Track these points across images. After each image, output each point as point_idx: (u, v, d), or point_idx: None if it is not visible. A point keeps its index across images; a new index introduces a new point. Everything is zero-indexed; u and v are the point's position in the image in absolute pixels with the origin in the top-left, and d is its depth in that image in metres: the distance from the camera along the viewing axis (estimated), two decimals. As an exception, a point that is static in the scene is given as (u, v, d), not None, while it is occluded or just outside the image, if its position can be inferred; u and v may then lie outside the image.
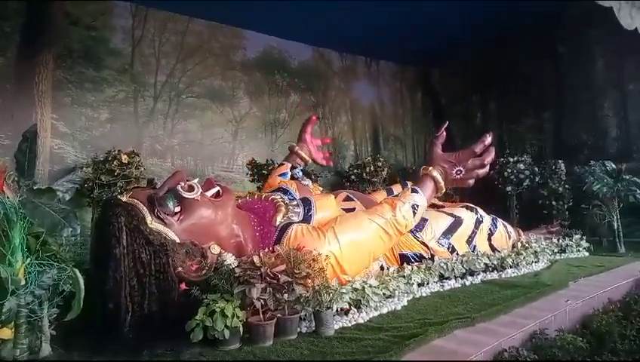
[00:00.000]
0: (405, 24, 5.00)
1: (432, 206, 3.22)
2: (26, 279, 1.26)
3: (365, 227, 2.36)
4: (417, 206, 2.49)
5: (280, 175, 3.23)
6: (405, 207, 2.45)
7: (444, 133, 2.65)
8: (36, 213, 1.26)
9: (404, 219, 2.43)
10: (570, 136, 5.31)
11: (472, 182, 2.59)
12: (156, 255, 1.83)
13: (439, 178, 2.56)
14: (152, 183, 2.12)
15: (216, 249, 2.00)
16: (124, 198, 1.91)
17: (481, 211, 3.31)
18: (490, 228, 3.30)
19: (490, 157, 2.58)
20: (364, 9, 4.69)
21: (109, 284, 1.70)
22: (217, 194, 2.18)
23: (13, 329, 1.25)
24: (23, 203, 1.26)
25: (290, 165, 3.34)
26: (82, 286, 1.34)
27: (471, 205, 3.34)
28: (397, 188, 3.63)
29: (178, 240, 1.91)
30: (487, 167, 2.59)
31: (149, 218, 1.87)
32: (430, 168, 2.59)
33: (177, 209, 1.96)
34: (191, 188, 2.04)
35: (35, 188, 1.33)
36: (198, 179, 2.24)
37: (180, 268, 1.87)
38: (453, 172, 2.57)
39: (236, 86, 5.05)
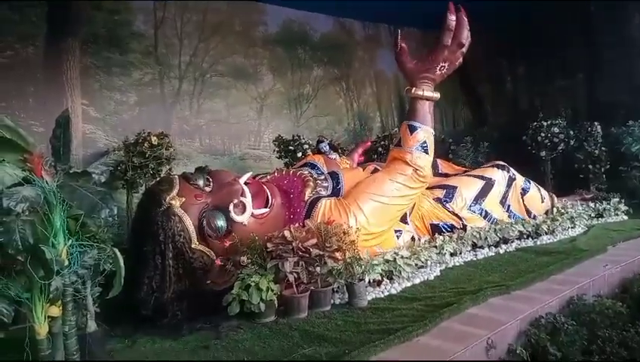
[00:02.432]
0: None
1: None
2: (68, 260, 1.31)
3: (387, 189, 2.33)
4: (425, 142, 2.39)
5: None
6: (415, 155, 2.36)
7: (403, 44, 2.39)
8: (74, 196, 1.29)
9: (421, 168, 2.37)
10: (605, 97, 5.08)
11: (460, 60, 2.37)
12: (194, 272, 1.88)
13: (429, 93, 2.39)
14: (203, 169, 2.09)
15: (245, 260, 1.94)
16: (176, 205, 1.88)
17: (512, 170, 3.16)
18: (523, 187, 3.17)
19: (464, 32, 2.29)
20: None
21: (145, 289, 1.77)
22: (266, 203, 2.15)
23: (60, 307, 1.31)
24: (61, 186, 1.29)
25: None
26: (122, 265, 1.38)
27: (502, 163, 3.17)
28: None
29: (215, 257, 1.93)
30: (469, 38, 2.32)
31: (195, 239, 1.89)
32: (414, 89, 2.40)
33: (224, 229, 1.97)
34: (243, 208, 2.01)
35: (71, 171, 1.36)
36: (250, 174, 2.23)
37: (210, 281, 1.92)
38: (437, 71, 2.37)
39: (259, 63, 5.02)
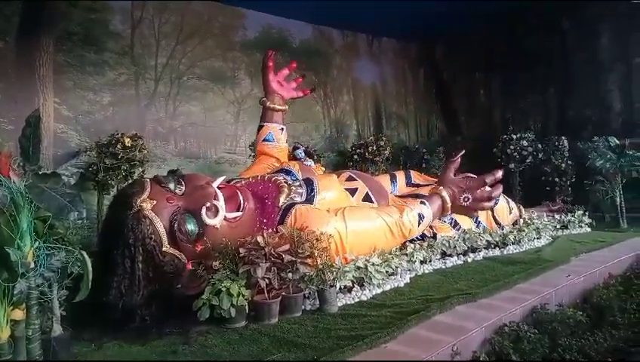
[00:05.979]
0: None
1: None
2: (35, 262, 1.28)
3: (373, 219, 2.38)
4: (423, 216, 2.54)
5: (264, 140, 3.05)
6: (413, 213, 2.49)
7: (459, 159, 2.75)
8: (42, 198, 1.27)
9: (409, 223, 2.46)
10: (573, 112, 5.28)
11: (476, 214, 2.70)
12: (163, 276, 1.86)
13: (447, 198, 2.65)
14: (175, 172, 2.06)
15: (217, 265, 1.93)
16: (146, 208, 1.85)
17: None
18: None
19: (498, 192, 2.70)
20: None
21: (113, 293, 1.73)
22: (239, 207, 2.13)
23: (24, 311, 1.28)
24: (29, 187, 1.27)
25: (270, 125, 3.05)
26: (90, 269, 1.36)
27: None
28: (400, 175, 3.59)
29: (186, 261, 1.92)
30: (493, 202, 2.72)
31: (165, 242, 1.87)
32: (440, 188, 2.69)
33: (195, 233, 1.95)
34: (216, 211, 1.99)
35: (40, 172, 1.34)
36: (223, 178, 2.21)
37: (180, 285, 1.90)
38: (461, 198, 2.67)
39: (237, 67, 5.01)
